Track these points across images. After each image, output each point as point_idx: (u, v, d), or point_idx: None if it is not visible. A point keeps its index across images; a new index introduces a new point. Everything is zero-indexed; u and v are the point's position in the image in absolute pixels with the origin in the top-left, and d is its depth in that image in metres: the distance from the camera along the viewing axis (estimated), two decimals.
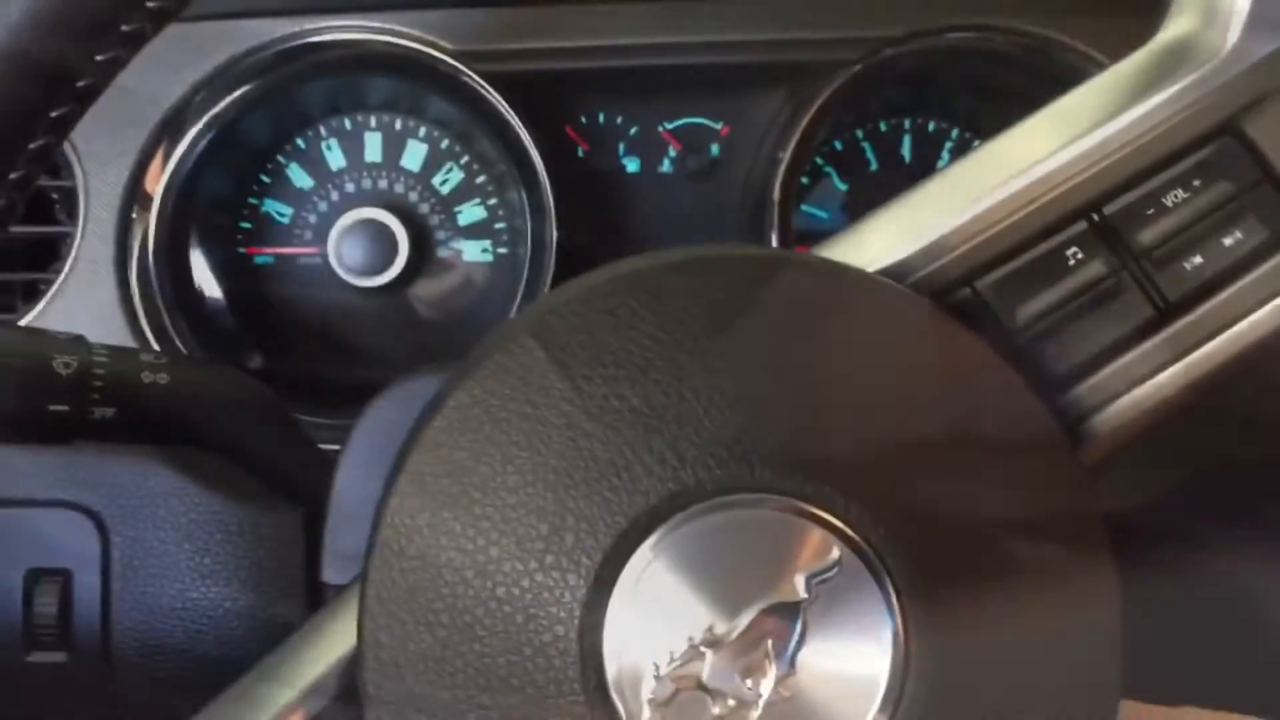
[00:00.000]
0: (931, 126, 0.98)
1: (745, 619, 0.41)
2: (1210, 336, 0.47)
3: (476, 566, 0.42)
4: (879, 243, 0.47)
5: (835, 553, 0.41)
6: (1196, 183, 0.46)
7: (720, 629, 0.41)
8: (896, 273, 0.46)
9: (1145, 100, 0.47)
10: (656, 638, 0.41)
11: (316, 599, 0.59)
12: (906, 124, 0.98)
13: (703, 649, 0.40)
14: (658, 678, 0.40)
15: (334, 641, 0.47)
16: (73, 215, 0.88)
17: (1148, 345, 0.47)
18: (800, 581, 0.41)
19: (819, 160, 0.98)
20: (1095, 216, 0.47)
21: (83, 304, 0.87)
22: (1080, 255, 0.46)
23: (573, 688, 0.41)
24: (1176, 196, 0.46)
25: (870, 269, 0.46)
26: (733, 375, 0.43)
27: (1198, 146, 0.47)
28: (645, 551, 0.41)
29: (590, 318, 0.44)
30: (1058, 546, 0.44)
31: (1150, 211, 0.46)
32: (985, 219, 0.47)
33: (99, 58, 0.41)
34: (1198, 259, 0.46)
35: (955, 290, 0.47)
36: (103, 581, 0.65)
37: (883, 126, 0.98)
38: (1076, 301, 0.46)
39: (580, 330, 0.44)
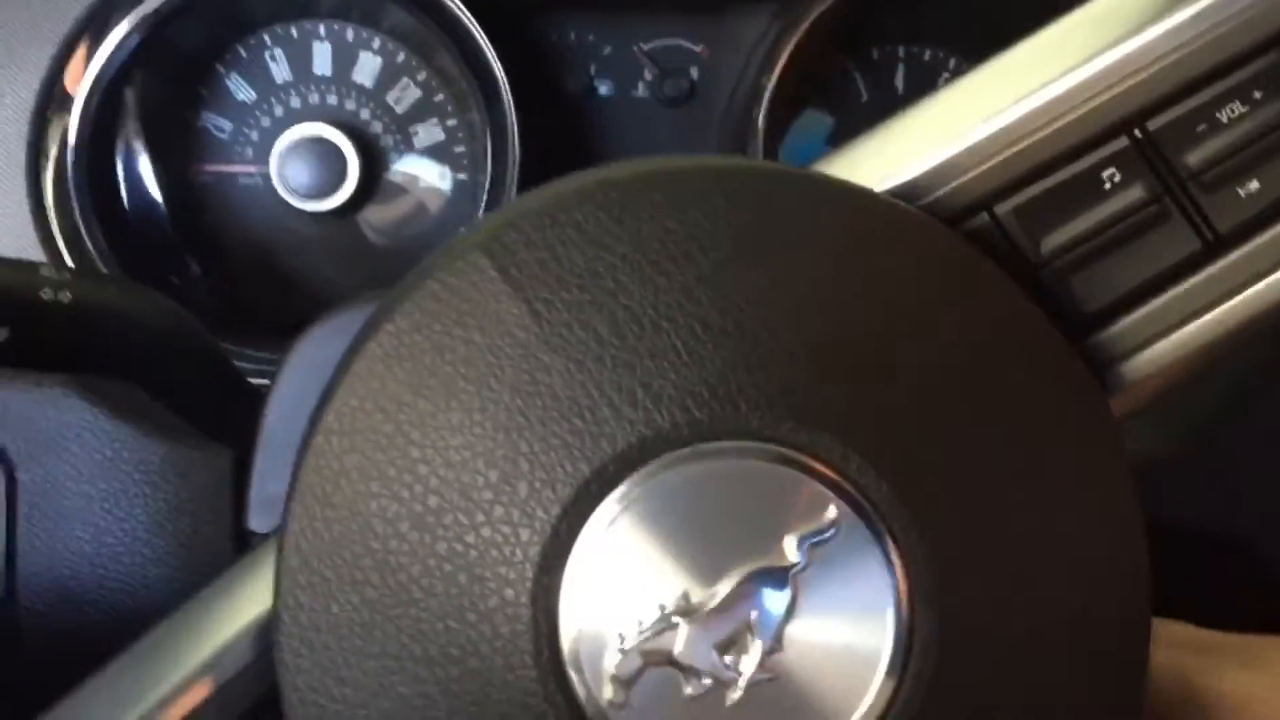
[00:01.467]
0: (927, 55, 0.92)
1: (726, 585, 0.35)
2: (1264, 274, 0.42)
3: (413, 518, 0.36)
4: (883, 161, 0.42)
5: (832, 511, 0.36)
6: (1257, 95, 0.41)
7: (696, 596, 0.35)
8: (903, 195, 0.41)
9: (1195, 1, 0.41)
10: (622, 605, 0.35)
11: (244, 550, 0.54)
12: (900, 52, 0.92)
13: (675, 619, 0.35)
14: (622, 651, 0.35)
15: (248, 599, 0.42)
16: None
17: (1192, 282, 0.42)
18: (791, 544, 0.36)
19: (806, 89, 0.91)
20: (1137, 133, 0.41)
21: None
22: (1118, 177, 0.41)
23: (523, 660, 0.35)
24: (1232, 111, 0.41)
25: (874, 190, 0.41)
26: (717, 304, 0.37)
27: (1260, 53, 0.41)
28: (611, 504, 0.36)
29: (552, 233, 0.38)
30: (1082, 506, 0.39)
31: (1201, 128, 0.41)
32: (1006, 135, 0.41)
33: None
34: (1254, 184, 0.41)
35: (971, 216, 0.41)
36: (7, 522, 0.60)
37: (874, 54, 0.92)
38: (1112, 231, 0.41)
39: (540, 247, 0.38)
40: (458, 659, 0.36)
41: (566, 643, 0.35)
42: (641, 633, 0.35)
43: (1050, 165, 0.41)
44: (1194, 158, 0.41)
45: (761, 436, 0.36)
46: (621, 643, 0.35)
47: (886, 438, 0.37)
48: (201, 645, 0.41)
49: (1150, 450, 0.57)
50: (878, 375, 0.38)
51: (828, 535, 0.36)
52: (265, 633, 0.40)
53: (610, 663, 0.35)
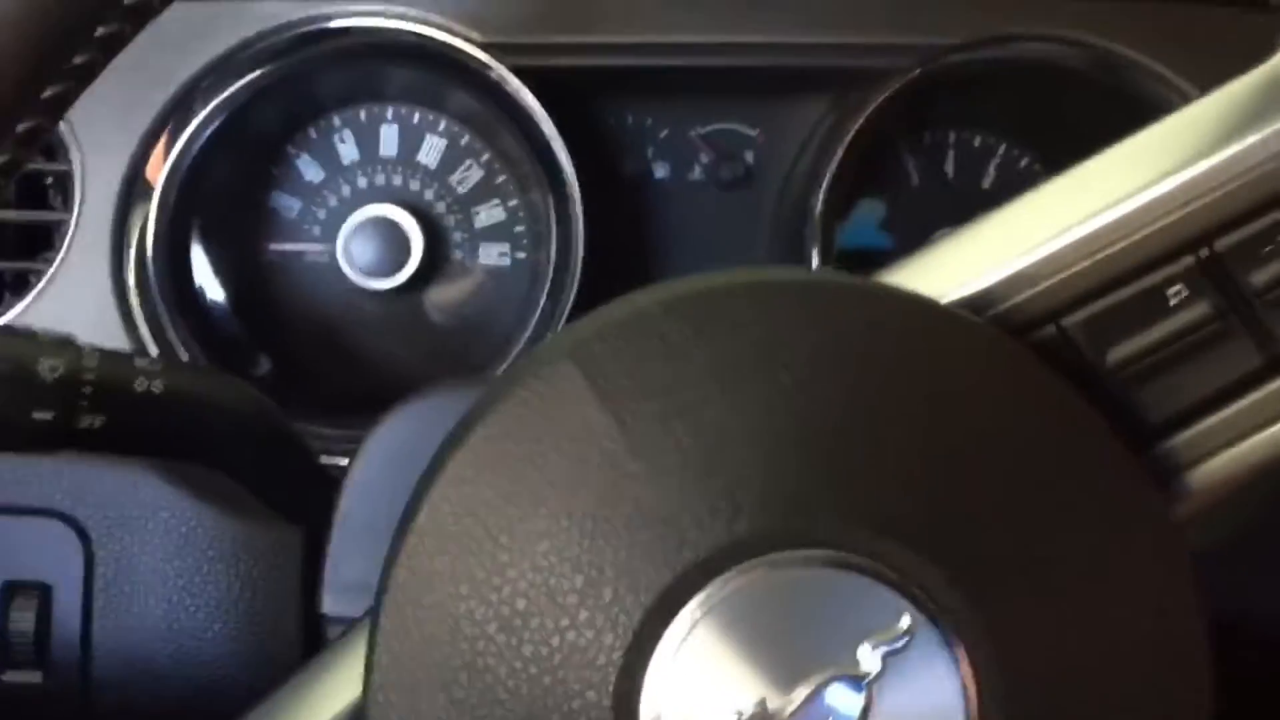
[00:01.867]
0: (978, 141, 0.94)
1: (802, 692, 0.36)
2: None
3: (500, 620, 0.37)
4: (953, 271, 0.43)
5: (906, 619, 0.36)
6: None
7: (774, 703, 0.36)
8: (972, 305, 0.42)
9: (1266, 125, 0.42)
10: (701, 709, 0.36)
11: (314, 629, 0.55)
12: (951, 137, 0.94)
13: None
14: None
15: (334, 692, 0.43)
16: (68, 202, 0.83)
17: (1256, 396, 0.42)
18: (866, 651, 0.36)
19: (861, 176, 0.93)
20: (1204, 252, 0.42)
21: (75, 298, 0.82)
22: (1184, 294, 0.42)
23: None
24: None
25: (943, 300, 0.42)
26: (796, 416, 0.38)
27: None
28: (691, 610, 0.37)
29: (638, 344, 0.39)
30: (1146, 613, 0.39)
31: (1267, 249, 0.42)
32: (1077, 250, 0.42)
33: (100, 31, 0.37)
34: None
35: (1039, 327, 0.43)
36: (84, 598, 0.62)
37: (926, 139, 0.94)
38: (1176, 345, 0.42)
39: (626, 358, 0.39)
40: None
41: None
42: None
43: (1118, 280, 0.42)
44: (1259, 277, 0.42)
45: (837, 545, 0.37)
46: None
47: (956, 546, 0.38)
48: None
49: (1203, 540, 0.57)
50: (947, 485, 0.39)
51: (901, 644, 0.37)
52: None
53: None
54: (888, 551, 0.37)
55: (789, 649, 0.36)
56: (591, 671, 0.36)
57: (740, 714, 0.36)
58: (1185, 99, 0.81)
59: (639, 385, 0.39)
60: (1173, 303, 0.42)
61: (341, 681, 0.43)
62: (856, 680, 0.36)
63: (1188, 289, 0.42)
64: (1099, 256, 0.42)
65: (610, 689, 0.36)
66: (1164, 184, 0.42)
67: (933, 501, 0.38)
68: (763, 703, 0.36)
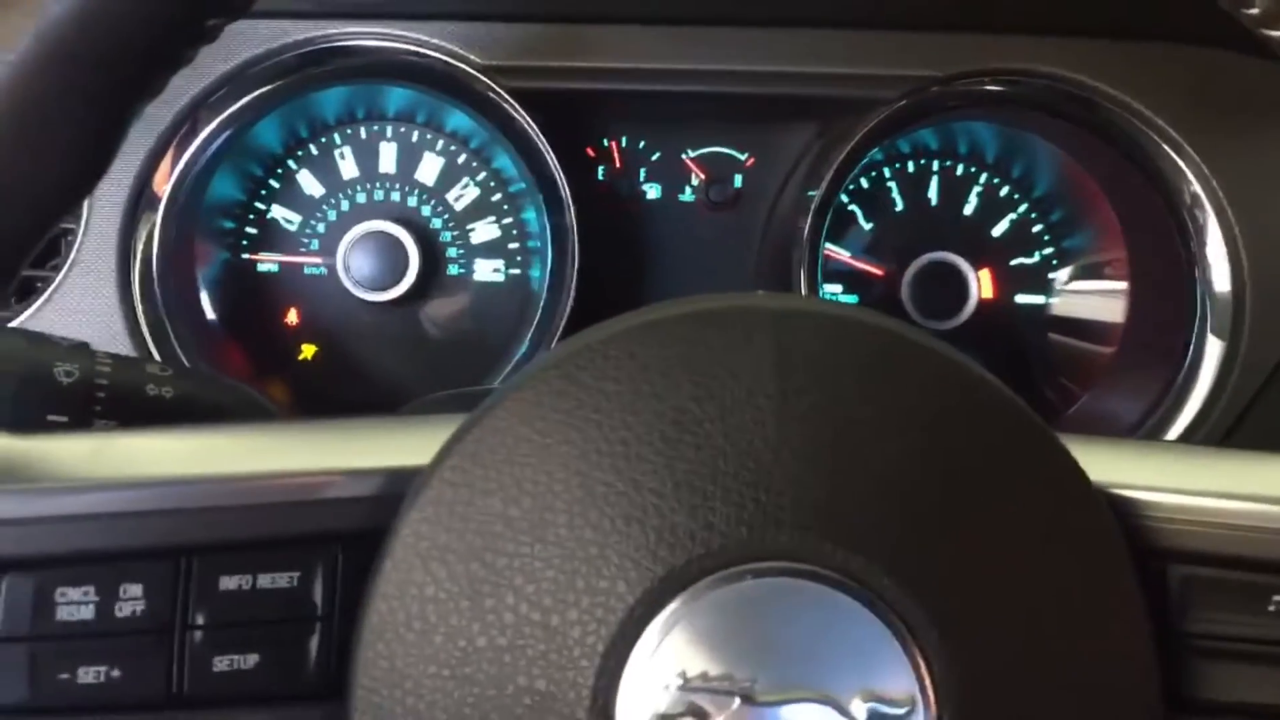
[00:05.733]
0: (960, 170, 0.97)
1: (774, 698, 0.38)
2: None
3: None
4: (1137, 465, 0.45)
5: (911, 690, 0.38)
6: None
7: (746, 707, 0.38)
8: (1114, 501, 0.43)
9: None
10: (676, 711, 0.38)
11: None
12: (935, 166, 0.96)
13: (736, 693, 0.38)
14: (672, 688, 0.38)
15: None
16: (75, 213, 0.85)
17: None
18: (859, 704, 0.38)
19: (844, 197, 0.96)
20: None
21: (81, 305, 0.84)
22: None
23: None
24: None
25: (1094, 477, 0.43)
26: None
27: None
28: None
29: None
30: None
31: None
32: (1229, 514, 0.43)
33: None
34: None
35: (1149, 560, 0.43)
36: None
37: (910, 167, 0.96)
38: (1253, 646, 0.43)
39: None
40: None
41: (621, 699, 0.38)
42: (694, 685, 0.37)
43: (1240, 562, 0.43)
44: None
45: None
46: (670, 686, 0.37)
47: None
48: None
49: None
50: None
51: (901, 713, 0.38)
52: None
53: (654, 703, 0.37)
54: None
55: (760, 656, 0.38)
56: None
57: (727, 684, 0.38)
58: (1158, 131, 0.84)
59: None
60: (1271, 609, 0.43)
61: None
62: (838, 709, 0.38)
63: None
64: (1240, 532, 0.43)
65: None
66: None
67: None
68: (737, 707, 0.38)
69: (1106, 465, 0.44)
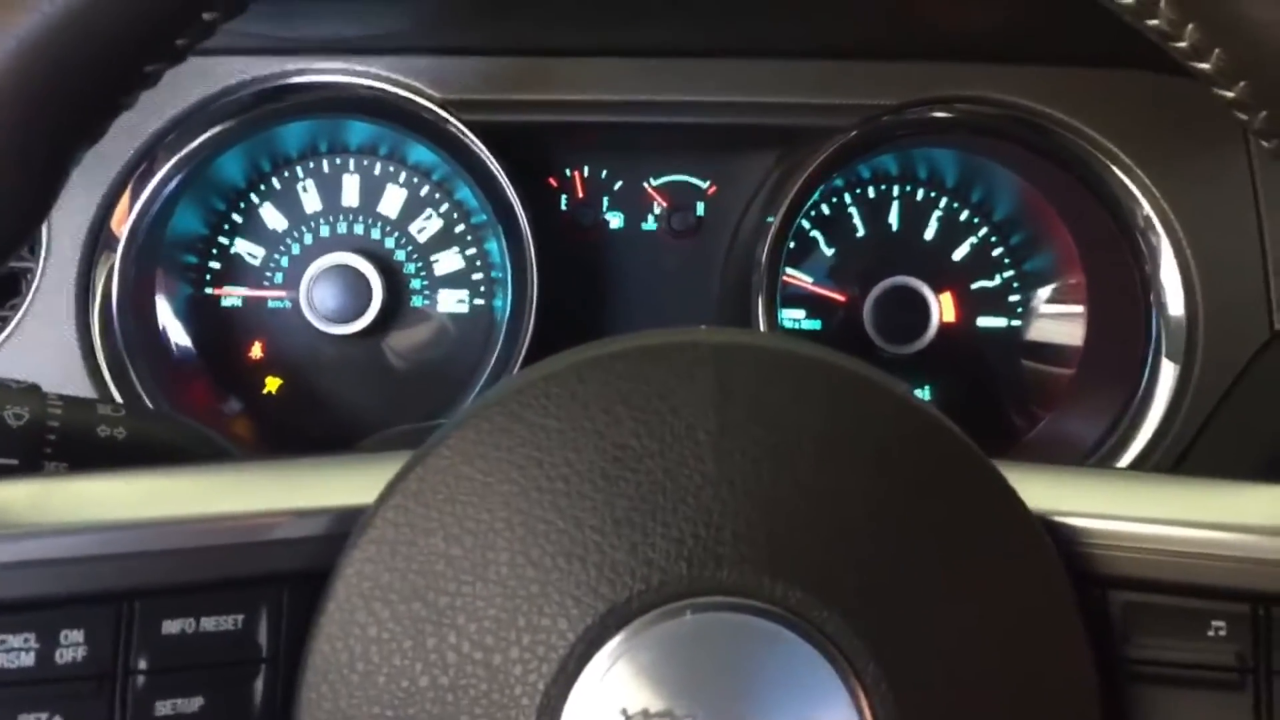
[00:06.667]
0: (920, 195, 0.97)
1: None
2: None
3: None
4: (1075, 492, 0.45)
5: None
6: None
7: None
8: (1052, 527, 0.44)
9: None
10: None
11: None
12: (895, 191, 0.97)
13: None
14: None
15: None
16: (34, 251, 0.85)
17: None
18: None
19: (805, 224, 0.96)
20: (1260, 610, 0.43)
21: (40, 345, 0.84)
22: (1224, 634, 0.43)
23: None
24: None
25: (1034, 505, 0.43)
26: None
27: None
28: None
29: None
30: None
31: None
32: (1169, 541, 0.44)
33: None
34: None
35: (1090, 587, 0.44)
36: None
37: (871, 193, 0.97)
38: (1194, 671, 0.43)
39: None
40: None
41: None
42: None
43: (1179, 588, 0.43)
44: None
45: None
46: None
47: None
48: None
49: None
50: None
51: None
52: None
53: None
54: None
55: (702, 691, 0.38)
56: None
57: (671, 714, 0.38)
58: (1110, 156, 0.85)
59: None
60: (1210, 634, 0.43)
61: None
62: None
63: (1228, 632, 0.43)
64: (1179, 559, 0.43)
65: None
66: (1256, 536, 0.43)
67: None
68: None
69: (1046, 492, 0.44)
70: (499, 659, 0.39)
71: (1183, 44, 0.42)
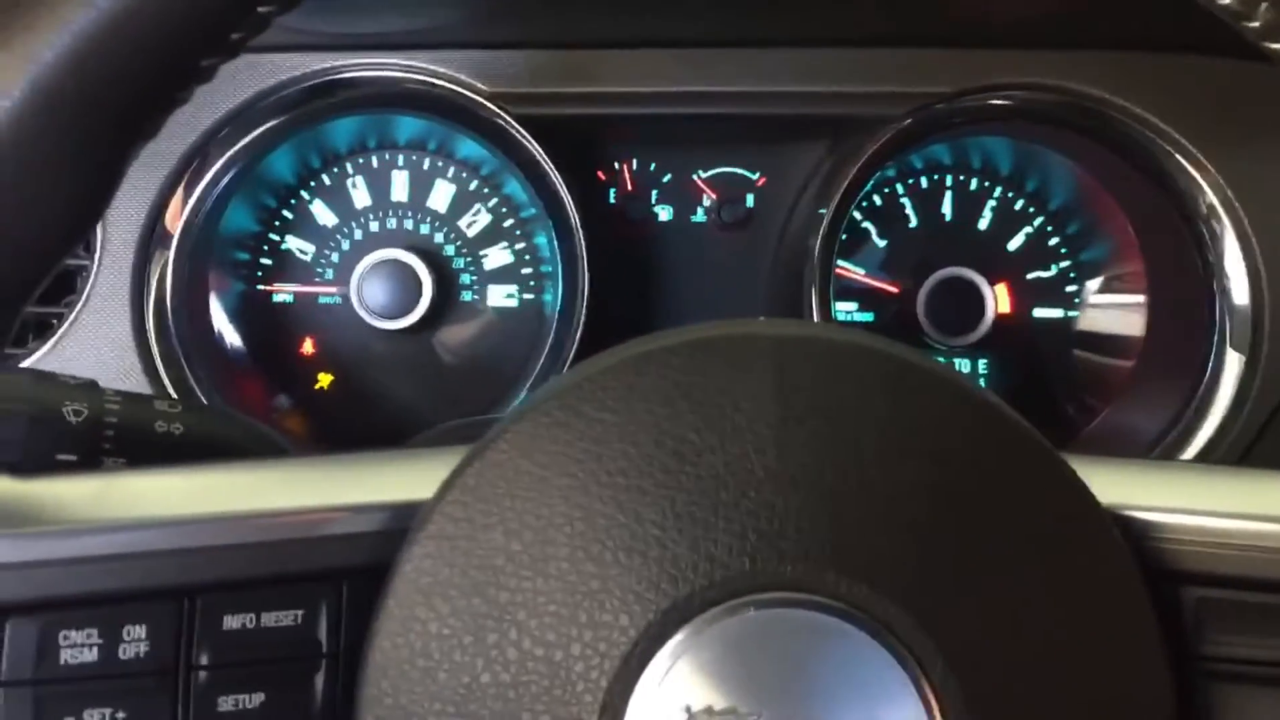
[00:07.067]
0: (974, 184, 0.96)
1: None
2: None
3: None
4: (1148, 487, 0.44)
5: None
6: None
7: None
8: (1125, 523, 0.42)
9: None
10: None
11: None
12: (949, 181, 0.96)
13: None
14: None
15: None
16: (89, 249, 0.86)
17: None
18: None
19: (857, 215, 0.95)
20: None
21: (96, 341, 0.85)
22: None
23: None
24: None
25: (1104, 499, 0.42)
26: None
27: None
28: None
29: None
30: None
31: None
32: (1242, 535, 0.42)
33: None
34: None
35: (1162, 583, 0.42)
36: None
37: (924, 183, 0.96)
38: (1270, 669, 0.42)
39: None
40: None
41: None
42: (699, 719, 0.37)
43: (1263, 584, 0.42)
44: None
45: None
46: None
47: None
48: None
49: None
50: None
51: None
52: None
53: None
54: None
55: (765, 688, 0.38)
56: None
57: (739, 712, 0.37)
58: (1171, 142, 0.83)
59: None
60: None
61: None
62: None
63: None
64: (1261, 553, 0.42)
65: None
66: None
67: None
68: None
69: (1116, 486, 0.43)
70: (560, 655, 0.38)
71: (1255, 23, 0.41)
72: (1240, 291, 0.83)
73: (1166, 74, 0.84)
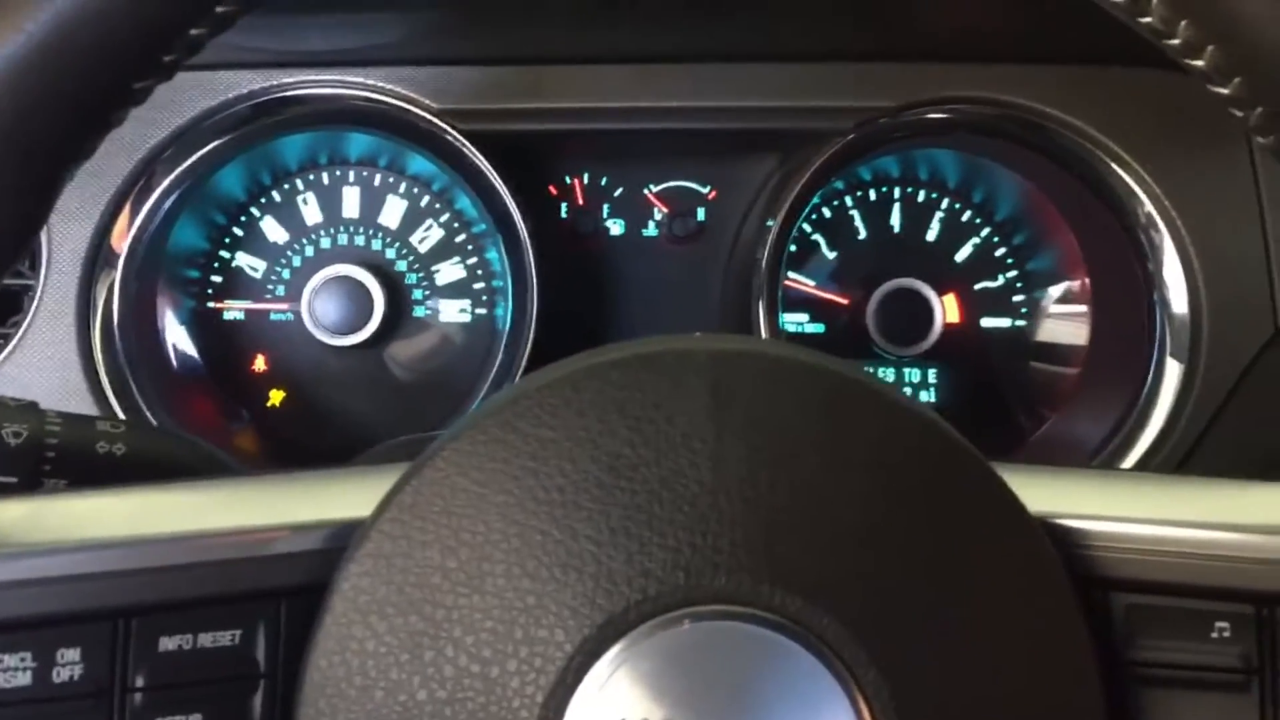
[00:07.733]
0: (921, 196, 0.97)
1: None
2: None
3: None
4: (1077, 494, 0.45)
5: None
6: None
7: None
8: (1054, 531, 0.43)
9: None
10: None
11: None
12: (897, 193, 0.97)
13: None
14: None
15: None
16: (35, 267, 0.85)
17: None
18: None
19: (807, 227, 0.96)
20: (1264, 610, 0.43)
21: (42, 361, 0.84)
22: (1228, 635, 0.43)
23: None
24: None
25: (1035, 508, 0.43)
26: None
27: None
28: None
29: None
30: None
31: None
32: (1171, 542, 0.43)
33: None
34: None
35: (1091, 589, 0.43)
36: None
37: (872, 195, 0.97)
38: (1198, 673, 0.43)
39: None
40: None
41: None
42: None
43: (1181, 590, 0.43)
44: None
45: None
46: None
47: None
48: None
49: None
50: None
51: None
52: None
53: None
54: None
55: (701, 701, 0.38)
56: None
57: None
58: (1110, 154, 0.85)
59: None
60: (1214, 635, 0.42)
61: None
62: None
63: (1232, 633, 0.42)
64: (1182, 560, 0.43)
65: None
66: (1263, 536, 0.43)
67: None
68: None
69: (1046, 494, 0.44)
70: (496, 671, 0.38)
71: (1176, 41, 0.42)
72: (1179, 300, 0.85)
73: (1106, 87, 0.86)
